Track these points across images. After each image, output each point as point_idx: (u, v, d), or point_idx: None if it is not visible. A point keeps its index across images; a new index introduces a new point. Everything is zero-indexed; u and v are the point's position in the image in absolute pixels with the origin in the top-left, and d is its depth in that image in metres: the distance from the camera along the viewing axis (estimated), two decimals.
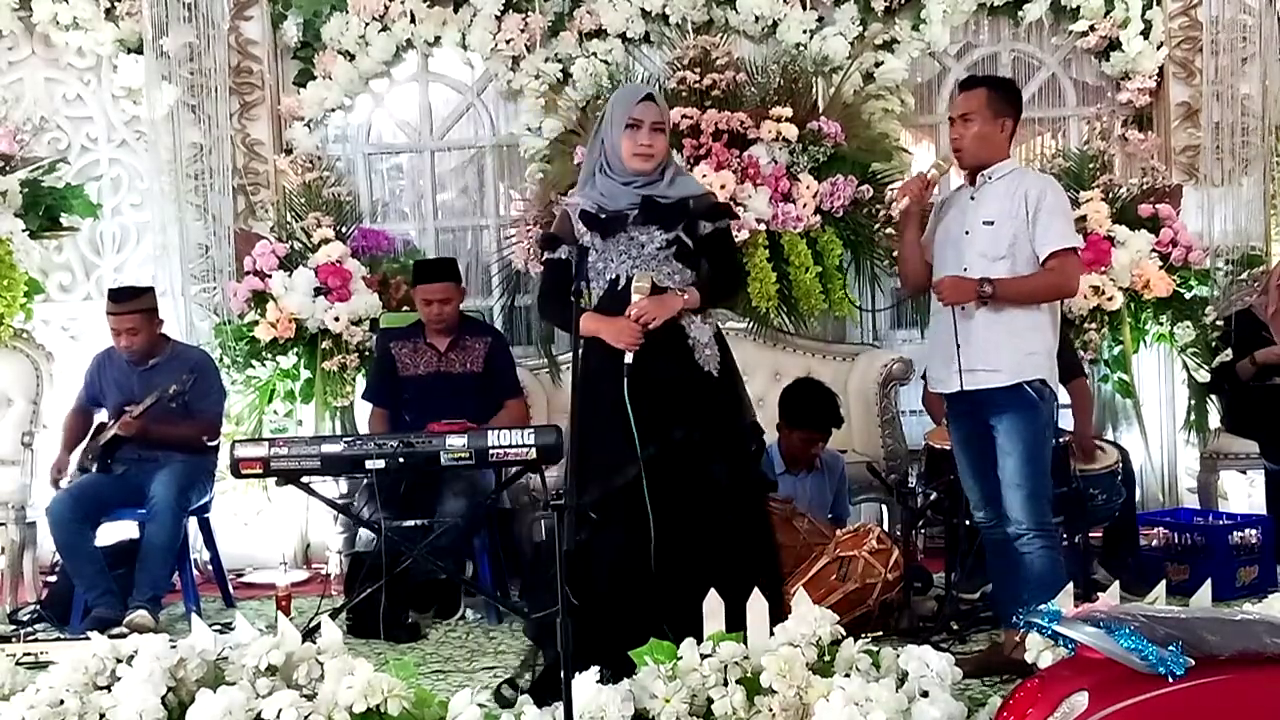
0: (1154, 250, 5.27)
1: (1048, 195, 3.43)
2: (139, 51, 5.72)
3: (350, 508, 4.41)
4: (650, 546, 3.16)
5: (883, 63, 5.76)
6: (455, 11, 5.82)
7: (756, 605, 2.94)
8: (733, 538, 3.31)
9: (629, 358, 3.22)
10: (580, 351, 3.10)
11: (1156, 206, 5.35)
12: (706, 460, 3.28)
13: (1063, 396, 3.93)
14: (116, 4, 5.72)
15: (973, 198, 3.53)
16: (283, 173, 5.81)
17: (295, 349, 5.36)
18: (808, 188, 5.28)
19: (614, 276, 3.36)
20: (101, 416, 4.69)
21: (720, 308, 3.91)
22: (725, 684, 2.76)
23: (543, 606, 3.33)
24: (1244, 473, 5.39)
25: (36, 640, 4.05)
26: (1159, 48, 5.70)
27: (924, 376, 4.46)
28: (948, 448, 3.83)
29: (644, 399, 3.08)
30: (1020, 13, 5.78)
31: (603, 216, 3.36)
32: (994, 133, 3.47)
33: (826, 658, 2.85)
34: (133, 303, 4.57)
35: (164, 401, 4.41)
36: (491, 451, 3.92)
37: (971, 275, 3.41)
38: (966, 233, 3.49)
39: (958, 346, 3.40)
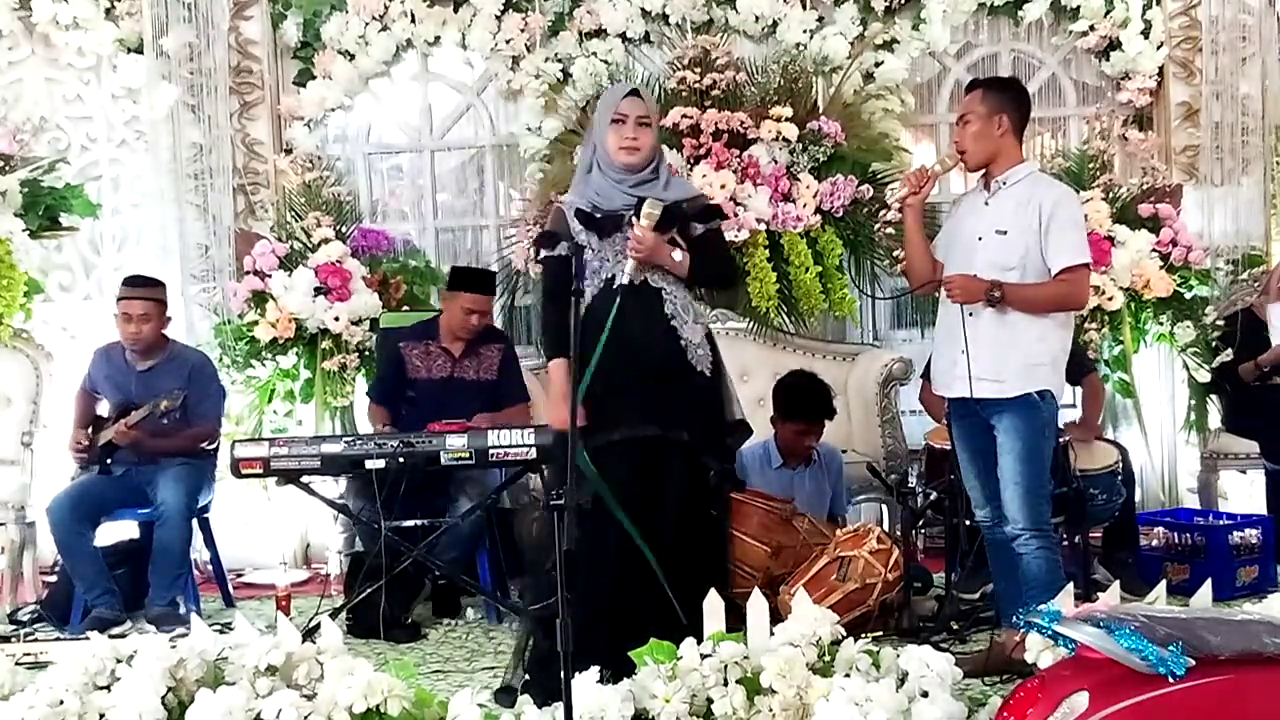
0: (1154, 250, 5.27)
1: (1062, 207, 3.40)
2: (139, 51, 5.72)
3: (348, 507, 4.41)
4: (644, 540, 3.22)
5: (883, 62, 5.76)
6: (455, 11, 5.82)
7: (756, 605, 2.94)
8: (710, 533, 3.41)
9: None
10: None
11: (1156, 206, 5.35)
12: (697, 457, 3.37)
13: (1065, 397, 3.93)
14: (116, 4, 5.72)
15: (987, 203, 3.51)
16: (282, 172, 5.81)
17: (295, 349, 5.36)
18: (808, 187, 5.29)
19: (609, 276, 3.37)
20: (103, 406, 4.69)
21: (707, 287, 4.03)
22: (725, 684, 2.76)
23: (540, 600, 3.37)
24: (1244, 472, 5.39)
25: (36, 640, 4.05)
26: (1159, 47, 5.70)
27: (924, 375, 4.46)
28: (948, 447, 3.82)
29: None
30: (1020, 12, 5.79)
31: (598, 216, 3.37)
32: (989, 129, 3.44)
33: (826, 658, 2.84)
34: (148, 289, 4.59)
35: (155, 416, 4.42)
36: (491, 451, 3.91)
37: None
38: (980, 239, 3.47)
39: (964, 351, 3.38)
